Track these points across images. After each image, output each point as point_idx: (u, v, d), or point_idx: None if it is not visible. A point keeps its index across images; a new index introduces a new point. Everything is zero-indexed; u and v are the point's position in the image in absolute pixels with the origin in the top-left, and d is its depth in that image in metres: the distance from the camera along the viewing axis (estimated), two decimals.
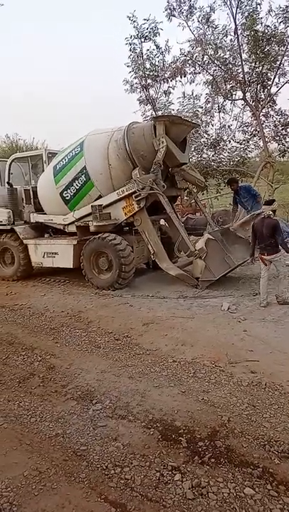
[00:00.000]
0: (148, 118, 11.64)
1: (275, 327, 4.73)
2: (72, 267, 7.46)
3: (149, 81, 11.99)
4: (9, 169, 8.57)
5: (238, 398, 3.23)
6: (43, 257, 7.88)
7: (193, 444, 2.71)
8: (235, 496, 2.22)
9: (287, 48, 10.25)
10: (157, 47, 11.49)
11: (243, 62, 10.72)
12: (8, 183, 8.35)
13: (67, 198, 7.37)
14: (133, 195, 6.64)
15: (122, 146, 6.69)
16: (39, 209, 8.20)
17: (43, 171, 8.20)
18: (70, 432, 2.94)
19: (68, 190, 7.29)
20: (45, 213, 8.07)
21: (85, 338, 4.84)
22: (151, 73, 11.80)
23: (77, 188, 7.17)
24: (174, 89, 12.17)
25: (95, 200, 7.07)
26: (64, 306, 6.13)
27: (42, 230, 8.45)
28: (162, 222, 8.00)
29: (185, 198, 8.84)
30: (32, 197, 8.26)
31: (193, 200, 8.64)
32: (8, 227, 8.23)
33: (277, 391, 3.30)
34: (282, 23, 10.08)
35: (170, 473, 2.44)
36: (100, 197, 7.05)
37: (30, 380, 3.87)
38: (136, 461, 2.57)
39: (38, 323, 5.56)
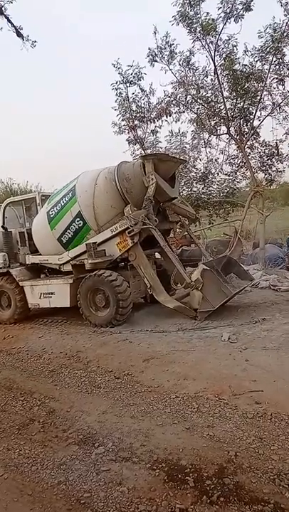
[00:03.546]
0: (137, 157, 11.99)
1: (278, 355, 4.66)
2: (69, 305, 7.42)
3: (136, 122, 12.45)
4: (3, 213, 8.70)
5: (244, 431, 3.15)
6: (40, 297, 7.84)
7: (200, 483, 2.61)
8: None
9: (265, 83, 10.78)
10: (142, 90, 12.01)
11: (225, 100, 11.19)
12: (2, 226, 8.46)
13: (51, 216, 7.50)
14: (126, 231, 6.74)
15: (112, 170, 6.99)
16: (34, 250, 8.27)
17: (37, 213, 8.35)
18: (72, 479, 2.83)
19: (54, 208, 7.46)
20: (40, 254, 8.13)
21: (84, 378, 4.75)
22: (138, 115, 12.28)
23: (62, 205, 7.34)
24: (160, 128, 12.61)
25: (74, 219, 7.18)
26: (62, 347, 6.04)
27: (38, 271, 8.46)
28: (157, 255, 8.07)
29: (178, 230, 8.97)
30: (27, 239, 8.35)
31: (186, 233, 8.76)
32: (4, 270, 8.26)
33: (283, 421, 3.22)
34: (258, 62, 10.65)
35: None
36: (79, 214, 7.12)
37: (30, 426, 3.76)
38: (142, 505, 2.47)
39: (36, 366, 5.46)
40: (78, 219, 7.16)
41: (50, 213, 7.53)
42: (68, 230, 7.33)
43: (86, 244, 7.04)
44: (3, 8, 7.55)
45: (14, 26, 7.93)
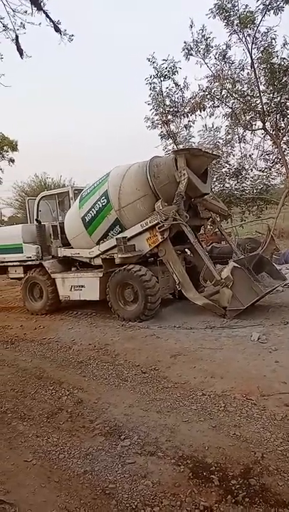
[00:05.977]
0: (169, 152, 11.94)
1: None
2: (98, 299, 7.54)
3: (169, 117, 12.40)
4: (37, 207, 8.94)
5: (272, 433, 3.09)
6: (71, 290, 8.01)
7: (225, 482, 2.59)
8: None
9: None
10: (176, 84, 11.96)
11: (261, 94, 10.95)
12: (36, 220, 8.69)
13: (83, 196, 7.75)
14: (156, 227, 6.74)
15: (146, 161, 7.10)
16: (66, 244, 8.44)
17: (70, 207, 8.50)
18: (98, 469, 2.87)
19: (88, 189, 7.70)
20: (72, 247, 8.28)
21: (112, 371, 4.81)
22: (172, 109, 12.23)
23: (94, 186, 7.56)
24: (194, 123, 12.55)
25: (100, 197, 7.31)
26: (91, 339, 6.14)
27: (69, 264, 8.64)
28: (187, 251, 8.02)
29: (209, 227, 8.87)
30: (59, 232, 8.53)
31: (217, 229, 8.65)
32: (37, 262, 8.48)
33: None
34: None
35: None
36: (105, 193, 7.24)
37: (59, 414, 3.84)
38: (166, 500, 2.47)
39: (65, 356, 5.58)
40: (104, 197, 7.28)
41: (83, 194, 7.78)
42: (92, 209, 7.46)
43: (116, 239, 7.12)
44: (42, 3, 7.62)
45: (52, 21, 8.00)
